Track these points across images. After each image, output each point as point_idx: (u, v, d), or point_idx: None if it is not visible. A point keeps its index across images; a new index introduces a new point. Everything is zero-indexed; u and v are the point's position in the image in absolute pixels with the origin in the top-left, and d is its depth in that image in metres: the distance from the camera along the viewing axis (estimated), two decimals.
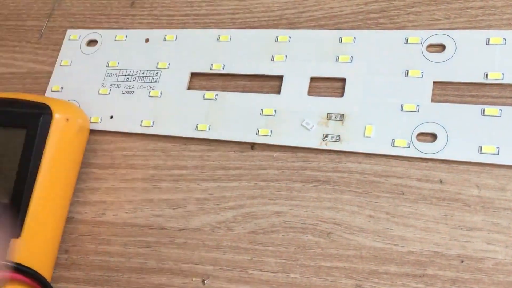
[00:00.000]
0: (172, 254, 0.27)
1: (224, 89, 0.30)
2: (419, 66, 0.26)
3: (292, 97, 0.28)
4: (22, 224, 0.25)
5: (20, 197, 0.26)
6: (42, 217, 0.26)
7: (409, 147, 0.25)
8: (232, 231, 0.26)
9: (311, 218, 0.25)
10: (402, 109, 0.26)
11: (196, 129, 0.29)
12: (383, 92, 0.26)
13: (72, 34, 0.34)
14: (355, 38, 0.28)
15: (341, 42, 0.28)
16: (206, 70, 0.30)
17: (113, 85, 0.31)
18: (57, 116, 0.27)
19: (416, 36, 0.27)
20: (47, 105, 0.27)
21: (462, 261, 0.23)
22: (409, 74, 0.26)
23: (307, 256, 0.25)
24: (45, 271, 0.27)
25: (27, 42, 0.36)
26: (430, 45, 0.27)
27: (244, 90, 0.29)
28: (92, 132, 0.31)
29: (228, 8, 0.32)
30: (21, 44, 0.36)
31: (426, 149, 0.25)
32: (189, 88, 0.30)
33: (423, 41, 0.27)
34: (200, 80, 0.31)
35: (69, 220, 0.29)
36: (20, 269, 0.25)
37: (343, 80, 0.27)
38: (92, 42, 0.33)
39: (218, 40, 0.31)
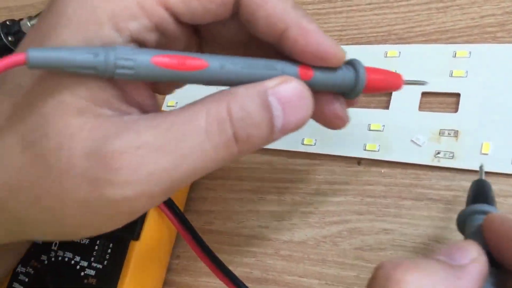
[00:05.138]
0: (277, 266, 0.27)
1: None
2: None
3: (402, 112, 0.27)
4: (141, 227, 0.27)
5: None
6: (159, 222, 0.28)
7: None
8: (337, 246, 0.26)
9: (422, 237, 0.25)
10: None
11: (302, 143, 0.29)
12: (502, 108, 0.25)
13: None
14: (470, 52, 0.27)
15: (455, 57, 0.27)
16: None
17: None
18: None
19: None
20: None
21: None
22: None
23: None
24: (159, 273, 0.29)
25: None
26: None
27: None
28: None
29: (335, 25, 0.32)
30: None
31: None
32: None
33: None
34: None
35: None
36: None
37: (457, 95, 0.26)
38: None
39: None
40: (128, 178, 0.16)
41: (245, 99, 0.18)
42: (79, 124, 0.17)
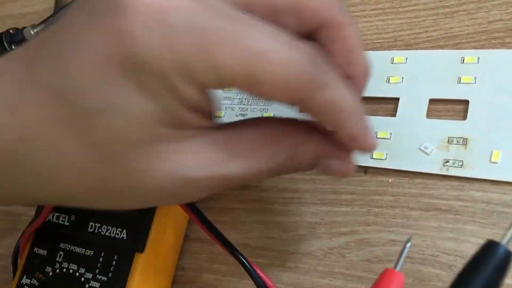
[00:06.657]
0: (283, 277, 0.27)
1: None
2: None
3: (409, 120, 0.27)
4: (146, 239, 0.27)
5: (146, 212, 0.27)
6: (164, 234, 0.28)
7: None
8: (344, 258, 0.26)
9: (430, 249, 0.24)
10: None
11: None
12: None
13: None
14: (479, 58, 0.26)
15: (463, 63, 0.27)
16: None
17: (227, 108, 0.33)
18: None
19: None
20: None
21: None
22: None
23: None
24: (164, 286, 0.28)
25: None
26: None
27: None
28: None
29: None
30: None
31: None
32: None
33: None
34: None
35: (185, 237, 0.30)
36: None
37: (465, 102, 0.26)
38: None
39: None
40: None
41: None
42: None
